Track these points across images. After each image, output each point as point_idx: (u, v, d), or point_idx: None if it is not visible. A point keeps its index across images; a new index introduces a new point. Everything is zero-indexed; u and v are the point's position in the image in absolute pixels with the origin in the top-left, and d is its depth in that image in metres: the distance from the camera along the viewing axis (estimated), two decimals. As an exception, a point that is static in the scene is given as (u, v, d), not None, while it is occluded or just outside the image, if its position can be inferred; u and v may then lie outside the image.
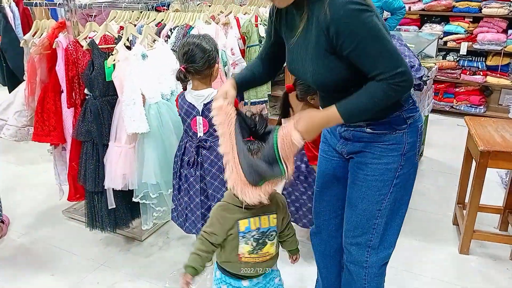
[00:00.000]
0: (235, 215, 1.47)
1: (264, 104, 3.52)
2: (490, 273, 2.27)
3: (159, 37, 2.56)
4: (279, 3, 1.31)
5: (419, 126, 1.42)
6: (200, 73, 1.92)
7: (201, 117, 1.97)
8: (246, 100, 3.28)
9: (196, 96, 1.96)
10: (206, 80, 1.98)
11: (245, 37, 3.14)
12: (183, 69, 1.90)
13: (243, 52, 3.11)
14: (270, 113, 3.84)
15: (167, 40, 2.65)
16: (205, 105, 1.96)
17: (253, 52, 3.18)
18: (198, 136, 2.01)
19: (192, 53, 1.89)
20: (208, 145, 2.00)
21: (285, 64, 1.53)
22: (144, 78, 2.11)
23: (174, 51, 2.48)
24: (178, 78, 1.95)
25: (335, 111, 1.27)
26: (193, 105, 1.97)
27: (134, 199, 2.23)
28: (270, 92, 3.44)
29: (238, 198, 1.38)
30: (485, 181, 2.28)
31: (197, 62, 1.89)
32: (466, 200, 2.58)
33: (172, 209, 2.19)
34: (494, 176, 3.12)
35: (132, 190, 2.23)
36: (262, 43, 3.22)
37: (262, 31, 3.24)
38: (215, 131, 1.99)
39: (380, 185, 1.41)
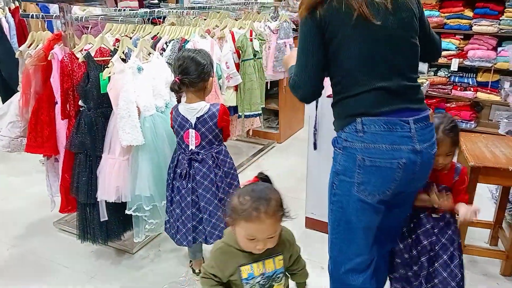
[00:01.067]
0: (236, 260, 1.36)
1: (258, 117, 3.54)
2: (481, 288, 2.28)
3: (155, 50, 2.58)
4: None
5: (358, 157, 1.37)
6: (194, 85, 1.95)
7: (193, 130, 1.99)
8: (240, 113, 3.30)
9: (190, 109, 1.99)
10: (200, 93, 2.00)
11: (240, 51, 3.18)
12: (177, 80, 1.93)
13: (237, 66, 3.15)
14: (263, 126, 3.87)
15: (162, 53, 2.67)
16: (197, 118, 1.98)
17: (248, 66, 3.21)
18: (190, 149, 2.02)
19: (186, 65, 1.93)
20: (200, 157, 2.01)
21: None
22: (139, 90, 2.12)
23: (169, 64, 2.51)
24: (172, 89, 1.98)
25: None
26: (186, 118, 1.99)
27: (127, 212, 2.21)
28: (263, 106, 3.47)
29: None
30: (476, 197, 2.30)
31: (191, 74, 1.93)
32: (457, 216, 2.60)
33: (165, 220, 2.19)
34: (485, 192, 3.15)
35: (125, 202, 2.22)
36: (256, 57, 3.26)
37: (257, 45, 3.28)
38: (208, 144, 2.02)
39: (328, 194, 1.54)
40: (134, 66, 2.13)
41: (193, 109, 1.99)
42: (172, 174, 2.08)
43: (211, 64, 2.03)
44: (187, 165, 2.03)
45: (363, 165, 1.38)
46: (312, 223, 2.79)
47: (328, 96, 2.45)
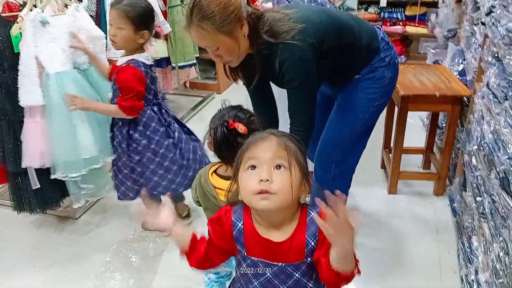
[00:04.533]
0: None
1: (193, 67, 3.44)
2: (417, 209, 2.45)
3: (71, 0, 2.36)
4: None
5: (396, 62, 1.70)
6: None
7: None
8: (173, 65, 3.18)
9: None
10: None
11: (166, -2, 3.01)
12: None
13: (164, 14, 2.98)
14: (200, 77, 3.77)
15: (78, 4, 2.46)
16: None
17: (176, 13, 3.06)
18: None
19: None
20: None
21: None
22: (43, 46, 1.94)
23: (91, 16, 2.32)
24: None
25: None
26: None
27: (52, 177, 2.07)
28: (198, 55, 3.36)
29: None
30: (409, 126, 2.42)
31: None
32: (392, 145, 2.73)
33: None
34: (416, 121, 3.32)
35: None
36: (184, 3, 3.10)
37: (183, -10, 3.12)
38: None
39: (359, 111, 1.68)
40: (36, 18, 1.92)
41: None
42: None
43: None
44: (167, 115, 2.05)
45: (397, 67, 1.73)
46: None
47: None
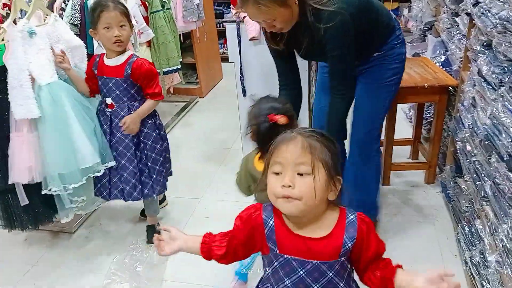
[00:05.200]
0: None
1: (177, 73, 3.41)
2: (411, 198, 2.51)
3: (52, 11, 2.31)
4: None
5: (404, 39, 1.88)
6: None
7: None
8: (158, 71, 3.13)
9: None
10: None
11: (147, 3, 2.97)
12: None
13: (146, 20, 2.95)
14: (183, 82, 3.74)
15: (62, 14, 2.41)
16: None
17: (158, 19, 3.03)
18: None
19: None
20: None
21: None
22: (31, 57, 1.88)
23: (73, 24, 2.27)
24: None
25: None
26: None
27: (43, 192, 2.01)
28: (181, 59, 3.34)
29: None
30: (392, 118, 2.48)
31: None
32: (382, 137, 2.79)
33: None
34: (399, 114, 3.39)
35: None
36: (165, 8, 3.08)
37: (164, -5, 3.09)
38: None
39: (388, 86, 1.85)
40: (24, 29, 1.86)
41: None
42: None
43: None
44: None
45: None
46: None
47: (251, 39, 2.42)
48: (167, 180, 2.20)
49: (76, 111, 1.99)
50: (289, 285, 1.03)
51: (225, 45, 5.22)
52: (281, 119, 1.36)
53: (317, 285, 1.02)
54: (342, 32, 1.57)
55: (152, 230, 2.23)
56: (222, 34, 5.07)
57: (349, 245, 1.00)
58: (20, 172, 1.97)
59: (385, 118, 2.54)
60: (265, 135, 1.34)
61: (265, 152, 1.35)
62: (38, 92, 1.89)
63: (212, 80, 4.46)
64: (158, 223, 2.31)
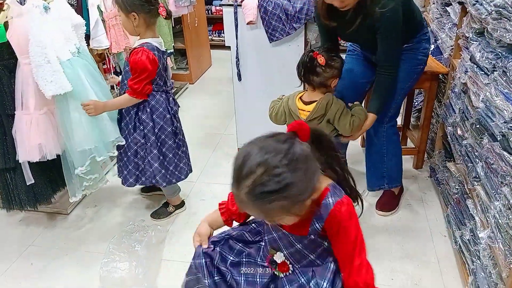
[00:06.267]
0: None
1: (169, 58, 3.40)
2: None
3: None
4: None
5: (429, 37, 2.10)
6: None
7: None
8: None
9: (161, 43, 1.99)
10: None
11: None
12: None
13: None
14: (175, 66, 3.73)
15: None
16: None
17: None
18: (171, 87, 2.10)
19: None
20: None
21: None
22: (51, 32, 1.88)
23: (70, 4, 2.25)
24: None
25: (373, 115, 1.98)
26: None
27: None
28: (174, 44, 3.33)
29: None
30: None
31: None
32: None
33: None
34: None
35: (52, 160, 2.04)
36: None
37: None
38: None
39: (412, 72, 2.05)
40: (40, 4, 1.85)
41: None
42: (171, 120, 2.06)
43: None
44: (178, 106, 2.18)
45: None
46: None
47: (248, 23, 2.44)
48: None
49: (94, 87, 2.02)
50: (266, 240, 1.20)
51: (214, 32, 5.21)
52: (320, 58, 1.74)
53: (286, 251, 1.15)
54: (395, 18, 1.77)
55: (163, 207, 2.35)
56: (211, 21, 5.08)
57: (317, 225, 1.06)
58: (31, 149, 1.97)
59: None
60: (303, 67, 1.79)
61: (309, 88, 1.87)
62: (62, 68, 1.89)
63: (201, 67, 4.46)
64: (173, 206, 2.35)
